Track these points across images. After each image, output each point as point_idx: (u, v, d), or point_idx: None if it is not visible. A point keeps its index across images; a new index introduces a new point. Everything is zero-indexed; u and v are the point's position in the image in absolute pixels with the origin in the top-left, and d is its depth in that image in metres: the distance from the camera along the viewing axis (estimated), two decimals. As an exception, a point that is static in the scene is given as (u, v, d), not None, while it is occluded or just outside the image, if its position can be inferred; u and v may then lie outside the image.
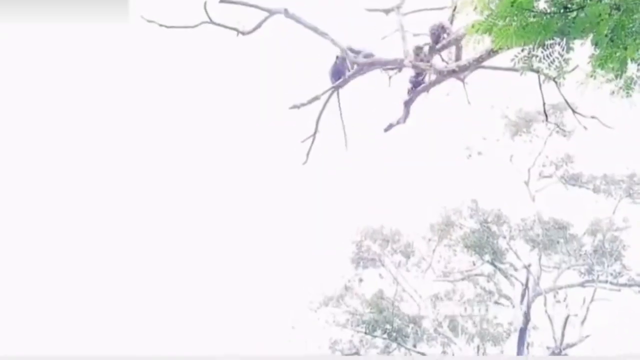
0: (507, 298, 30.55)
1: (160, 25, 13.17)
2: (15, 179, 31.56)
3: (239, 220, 32.42)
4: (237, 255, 31.70)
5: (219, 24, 13.38)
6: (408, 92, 14.06)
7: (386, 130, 14.54)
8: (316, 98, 14.20)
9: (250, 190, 33.01)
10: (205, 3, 13.16)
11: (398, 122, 14.40)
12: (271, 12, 13.80)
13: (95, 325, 30.23)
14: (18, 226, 31.41)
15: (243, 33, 13.74)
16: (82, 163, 32.78)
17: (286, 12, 13.74)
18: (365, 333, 30.54)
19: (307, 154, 14.25)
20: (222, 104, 30.89)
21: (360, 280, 31.09)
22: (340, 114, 14.37)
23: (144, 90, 31.61)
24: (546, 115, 14.13)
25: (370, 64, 14.21)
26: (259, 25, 13.83)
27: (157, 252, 32.22)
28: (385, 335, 30.33)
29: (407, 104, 14.27)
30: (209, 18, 13.25)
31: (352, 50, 14.10)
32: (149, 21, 13.13)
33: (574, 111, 13.32)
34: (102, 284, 31.30)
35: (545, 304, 30.29)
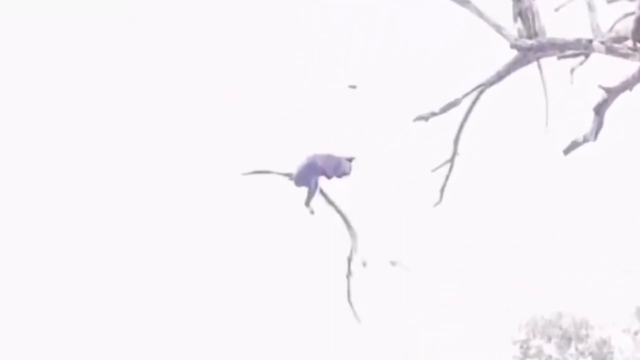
0: None
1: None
2: (14, 179, 31.89)
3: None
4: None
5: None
6: None
7: (566, 152, 10.31)
8: (454, 103, 9.83)
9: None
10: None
11: (585, 140, 10.17)
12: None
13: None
14: (17, 226, 31.13)
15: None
16: (83, 164, 32.39)
17: None
18: None
19: (442, 190, 10.00)
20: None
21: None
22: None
23: (144, 91, 31.40)
24: None
25: (538, 48, 9.87)
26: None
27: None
28: None
29: (600, 111, 9.83)
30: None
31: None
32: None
33: None
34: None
35: None
